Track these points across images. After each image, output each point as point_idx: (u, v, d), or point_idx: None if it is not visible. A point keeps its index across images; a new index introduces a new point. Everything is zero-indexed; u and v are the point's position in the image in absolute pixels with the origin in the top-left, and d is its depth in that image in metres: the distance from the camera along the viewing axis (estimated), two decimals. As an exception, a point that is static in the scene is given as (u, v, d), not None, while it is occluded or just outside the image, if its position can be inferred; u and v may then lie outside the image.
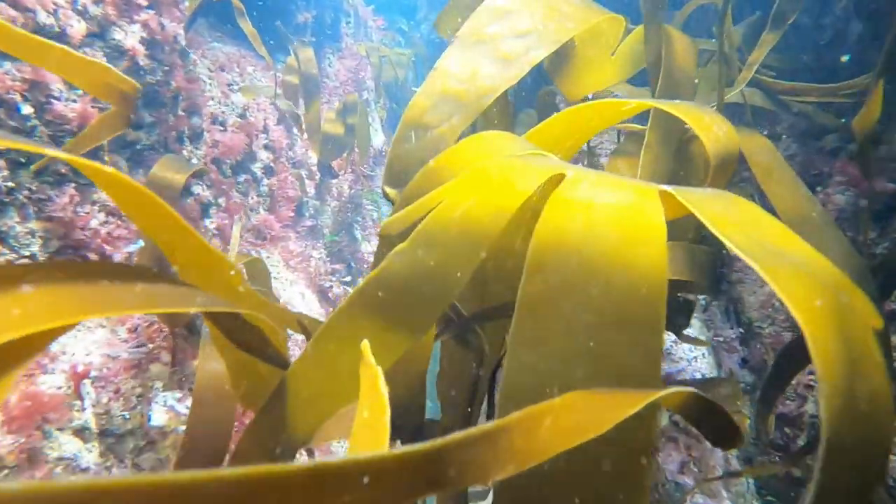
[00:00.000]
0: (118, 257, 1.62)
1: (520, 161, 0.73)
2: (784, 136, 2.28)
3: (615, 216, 0.66)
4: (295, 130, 3.36)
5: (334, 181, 3.83)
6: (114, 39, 1.66)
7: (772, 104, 1.95)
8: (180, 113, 2.08)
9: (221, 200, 2.42)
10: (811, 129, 2.14)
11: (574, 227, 0.65)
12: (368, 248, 4.51)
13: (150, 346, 1.67)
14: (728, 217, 0.67)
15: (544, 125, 0.93)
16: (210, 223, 2.27)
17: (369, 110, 5.12)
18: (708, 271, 1.33)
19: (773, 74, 1.95)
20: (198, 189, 2.23)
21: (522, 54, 1.16)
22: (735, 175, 1.71)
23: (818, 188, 1.94)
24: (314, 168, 3.57)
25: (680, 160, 1.37)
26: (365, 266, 4.22)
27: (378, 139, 6.05)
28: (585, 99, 2.32)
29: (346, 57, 5.54)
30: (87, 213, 1.58)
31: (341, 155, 3.56)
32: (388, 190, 1.02)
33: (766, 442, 1.74)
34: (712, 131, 0.85)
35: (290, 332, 1.81)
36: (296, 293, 2.78)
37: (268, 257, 2.75)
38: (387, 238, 0.83)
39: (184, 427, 1.09)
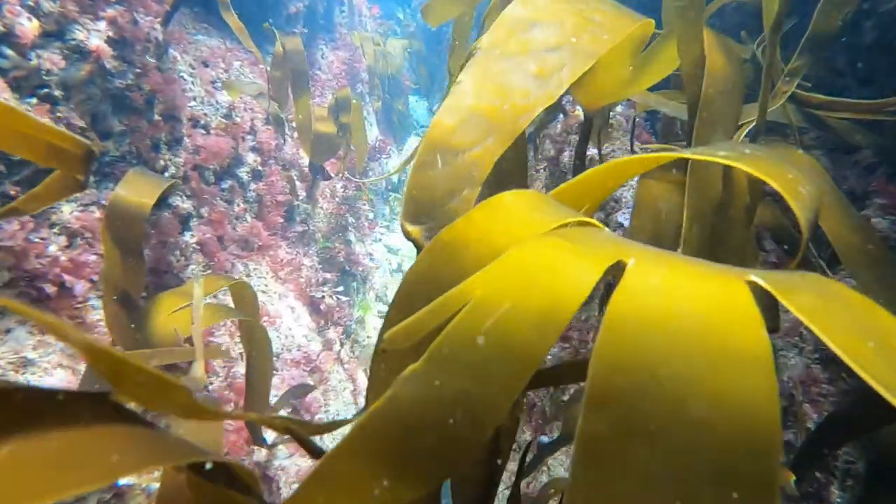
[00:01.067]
0: (80, 289, 1.43)
1: (565, 243, 0.55)
2: (812, 150, 2.11)
3: (703, 329, 0.48)
4: (286, 129, 3.16)
5: (327, 182, 3.63)
6: (74, 40, 1.46)
7: (802, 119, 1.77)
8: (156, 118, 1.88)
9: (204, 210, 2.23)
10: (842, 143, 1.97)
11: (648, 345, 0.47)
12: (363, 249, 4.32)
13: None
14: (830, 315, 0.50)
15: (580, 181, 0.75)
16: (191, 237, 2.08)
17: (364, 104, 4.90)
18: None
19: (809, 86, 1.77)
20: (176, 200, 2.04)
21: (557, 70, 0.98)
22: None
23: (857, 211, 1.77)
24: (305, 169, 3.37)
25: (723, 194, 1.19)
26: (360, 269, 4.04)
27: (372, 133, 5.84)
28: (602, 108, 2.14)
29: (341, 48, 5.31)
30: (44, 238, 1.40)
31: (334, 155, 3.36)
32: (410, 227, 0.84)
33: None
34: (799, 193, 0.68)
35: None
36: (285, 307, 2.60)
37: (255, 269, 2.57)
38: (390, 352, 0.65)
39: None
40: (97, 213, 1.59)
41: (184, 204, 2.06)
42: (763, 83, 1.38)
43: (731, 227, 1.17)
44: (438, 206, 0.85)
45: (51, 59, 1.41)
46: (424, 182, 0.87)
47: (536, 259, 0.53)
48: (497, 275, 0.55)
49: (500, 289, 0.51)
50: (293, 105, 3.05)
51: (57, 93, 1.45)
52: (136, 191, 1.43)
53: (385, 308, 4.49)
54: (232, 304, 1.98)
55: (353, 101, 3.24)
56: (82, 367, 1.45)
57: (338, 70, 5.25)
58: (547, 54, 1.02)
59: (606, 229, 0.64)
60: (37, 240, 1.37)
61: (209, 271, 2.10)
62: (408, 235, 0.83)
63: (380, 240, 5.24)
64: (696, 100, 1.30)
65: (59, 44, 1.44)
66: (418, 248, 0.83)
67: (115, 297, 1.39)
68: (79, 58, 1.49)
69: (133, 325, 1.43)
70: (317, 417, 2.32)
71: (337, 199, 3.80)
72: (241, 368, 2.08)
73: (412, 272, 0.64)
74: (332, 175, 3.39)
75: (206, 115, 2.36)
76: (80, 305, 1.48)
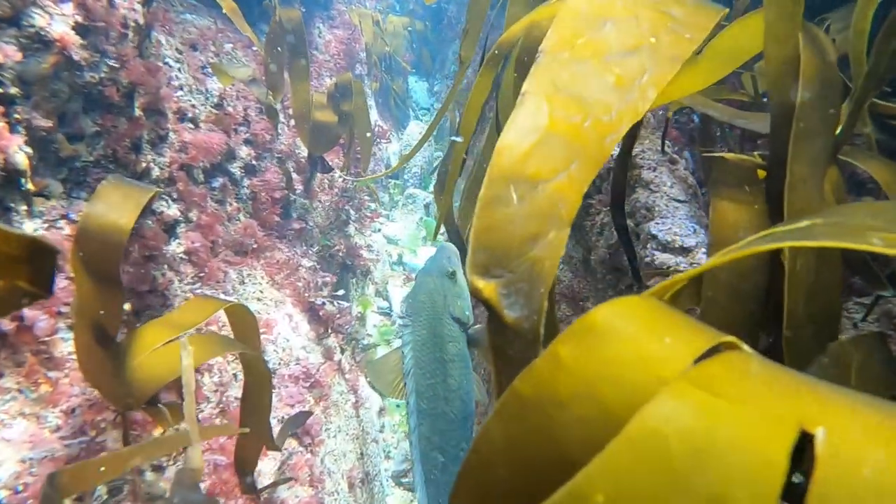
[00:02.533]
0: (43, 325, 1.22)
1: (720, 405, 0.35)
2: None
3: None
4: (281, 116, 2.91)
5: (324, 174, 3.39)
6: (33, 27, 1.22)
7: (877, 131, 1.56)
8: (137, 114, 1.64)
9: (193, 214, 2.00)
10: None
11: None
12: (362, 241, 4.10)
13: (93, 433, 1.29)
14: None
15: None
16: (177, 247, 1.86)
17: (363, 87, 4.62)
18: None
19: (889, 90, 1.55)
20: (161, 206, 1.82)
21: (637, 77, 0.77)
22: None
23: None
24: (303, 160, 3.14)
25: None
26: (360, 264, 3.82)
27: (371, 117, 5.57)
28: (663, 110, 1.92)
29: (339, 26, 5.01)
30: None
31: (334, 145, 3.12)
32: (480, 283, 0.63)
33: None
34: None
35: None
36: (282, 316, 2.39)
37: (249, 275, 2.35)
38: None
39: None
40: (66, 230, 1.37)
41: (170, 210, 1.83)
42: (856, 85, 1.16)
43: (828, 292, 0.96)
44: (517, 254, 0.65)
45: (3, 51, 1.17)
46: (496, 223, 0.65)
47: (683, 437, 0.33)
48: (625, 466, 0.34)
49: (636, 495, 0.31)
50: (290, 91, 2.80)
51: (13, 90, 1.22)
52: (112, 207, 1.21)
53: (385, 304, 4.28)
54: (226, 325, 1.77)
55: (355, 88, 2.99)
56: (50, 414, 1.24)
57: (335, 50, 4.97)
58: (625, 58, 0.80)
59: (756, 356, 0.43)
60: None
61: (198, 286, 1.88)
62: (478, 294, 0.62)
63: (379, 230, 5.02)
64: (787, 107, 1.08)
65: (13, 31, 1.21)
66: (492, 310, 0.62)
67: (88, 333, 1.18)
68: (40, 48, 1.25)
69: (110, 366, 1.22)
70: (318, 438, 2.13)
71: (336, 191, 3.57)
72: (234, 391, 1.88)
73: (483, 442, 0.43)
74: (333, 167, 3.16)
75: (194, 106, 2.12)
76: (46, 339, 1.27)
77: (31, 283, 0.53)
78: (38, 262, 0.52)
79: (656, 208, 2.06)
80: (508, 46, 1.36)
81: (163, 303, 1.68)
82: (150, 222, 1.74)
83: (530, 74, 0.75)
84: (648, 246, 1.75)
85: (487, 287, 0.63)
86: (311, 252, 2.99)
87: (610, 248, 1.98)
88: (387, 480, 2.92)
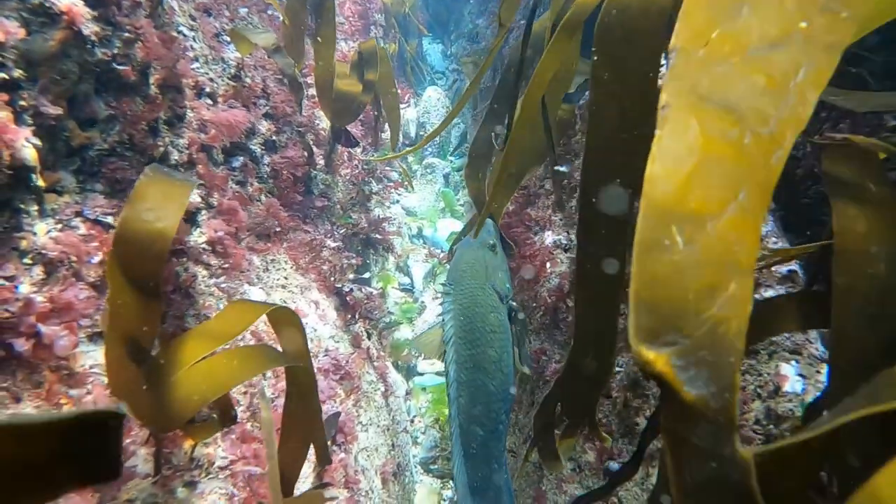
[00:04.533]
0: (63, 343, 1.08)
1: None
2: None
3: None
4: (303, 87, 2.71)
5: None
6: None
7: None
8: (152, 92, 1.47)
9: (214, 199, 1.84)
10: None
11: None
12: (382, 213, 3.92)
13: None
14: None
15: None
16: (200, 237, 1.71)
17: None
18: None
19: None
20: (182, 192, 1.66)
21: (791, 75, 0.60)
22: None
23: None
24: (323, 132, 2.95)
25: None
26: (381, 238, 3.66)
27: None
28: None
29: (353, -15, 4.73)
30: (10, 277, 1.03)
31: (357, 117, 2.93)
32: (648, 353, 0.48)
33: None
34: None
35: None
36: (308, 303, 2.26)
37: (273, 260, 2.21)
38: None
39: None
40: (82, 229, 1.22)
41: (191, 197, 1.67)
42: None
43: None
44: (692, 313, 0.50)
45: (4, 28, 1.00)
46: (661, 275, 0.50)
47: None
48: None
49: None
50: (312, 56, 2.59)
51: (17, 73, 1.05)
52: (153, 208, 1.05)
53: (406, 280, 4.14)
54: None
55: (381, 54, 2.78)
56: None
57: (349, 12, 4.71)
58: (771, 52, 0.63)
59: None
60: (1, 281, 1.01)
61: (223, 280, 1.74)
62: (648, 367, 0.47)
63: (397, 201, 4.85)
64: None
65: (14, 3, 1.03)
66: (666, 385, 0.47)
67: (120, 349, 1.04)
68: (45, 22, 1.08)
69: (145, 383, 1.09)
70: (350, 436, 2.03)
71: (356, 164, 3.39)
72: (267, 391, 1.76)
73: None
74: (359, 141, 2.97)
75: (212, 80, 1.94)
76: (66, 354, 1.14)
77: (89, 472, 0.36)
78: (94, 441, 0.36)
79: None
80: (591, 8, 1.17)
81: (189, 306, 1.54)
82: (171, 212, 1.58)
83: (666, 81, 0.59)
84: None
85: (659, 358, 0.47)
86: (335, 231, 2.83)
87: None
88: (415, 468, 2.84)
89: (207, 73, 1.93)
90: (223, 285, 1.73)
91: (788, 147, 0.54)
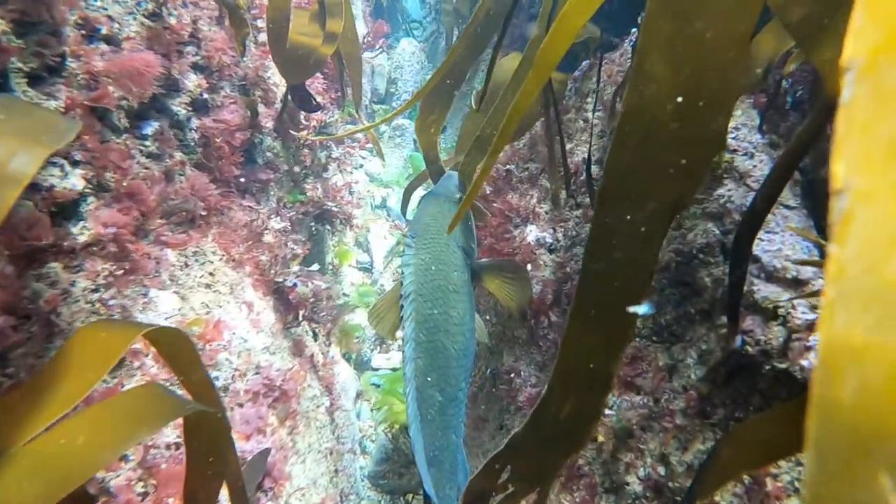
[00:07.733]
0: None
1: None
2: None
3: None
4: (248, 29, 2.20)
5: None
6: None
7: None
8: (3, 29, 0.99)
9: (109, 181, 1.38)
10: None
11: None
12: (341, 180, 3.46)
13: None
14: None
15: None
16: (80, 233, 1.26)
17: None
18: None
19: None
20: (53, 175, 1.20)
21: None
22: None
23: None
24: (274, 89, 2.45)
25: None
26: (338, 209, 3.21)
27: (360, 28, 4.74)
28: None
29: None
30: None
31: (318, 70, 2.44)
32: None
33: None
34: None
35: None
36: (238, 307, 1.83)
37: (196, 253, 1.76)
38: None
39: None
40: None
41: (66, 181, 1.22)
42: None
43: None
44: None
45: None
46: None
47: None
48: None
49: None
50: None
51: None
52: None
53: (365, 258, 3.72)
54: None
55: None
56: None
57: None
58: None
59: None
60: None
61: (112, 294, 1.29)
62: None
63: (361, 165, 4.37)
64: None
65: None
66: None
67: None
68: None
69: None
70: (281, 479, 1.65)
71: (313, 125, 2.90)
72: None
73: None
74: (320, 104, 2.48)
75: (111, 18, 1.43)
76: None
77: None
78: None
79: (759, 217, 1.47)
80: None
81: (54, 333, 1.11)
82: (28, 204, 1.13)
83: (839, 136, 0.18)
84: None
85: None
86: (280, 210, 2.38)
87: (680, 255, 1.46)
88: (363, 482, 2.51)
89: (105, 9, 1.42)
90: (111, 301, 1.29)
91: None
